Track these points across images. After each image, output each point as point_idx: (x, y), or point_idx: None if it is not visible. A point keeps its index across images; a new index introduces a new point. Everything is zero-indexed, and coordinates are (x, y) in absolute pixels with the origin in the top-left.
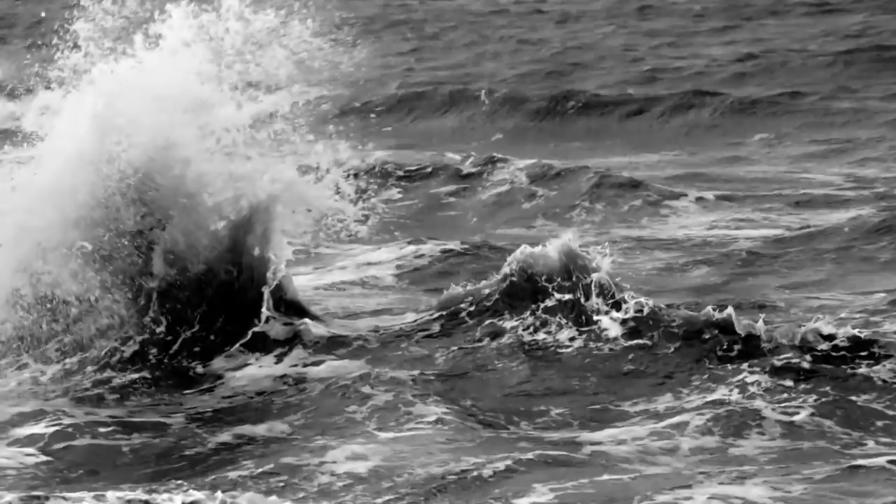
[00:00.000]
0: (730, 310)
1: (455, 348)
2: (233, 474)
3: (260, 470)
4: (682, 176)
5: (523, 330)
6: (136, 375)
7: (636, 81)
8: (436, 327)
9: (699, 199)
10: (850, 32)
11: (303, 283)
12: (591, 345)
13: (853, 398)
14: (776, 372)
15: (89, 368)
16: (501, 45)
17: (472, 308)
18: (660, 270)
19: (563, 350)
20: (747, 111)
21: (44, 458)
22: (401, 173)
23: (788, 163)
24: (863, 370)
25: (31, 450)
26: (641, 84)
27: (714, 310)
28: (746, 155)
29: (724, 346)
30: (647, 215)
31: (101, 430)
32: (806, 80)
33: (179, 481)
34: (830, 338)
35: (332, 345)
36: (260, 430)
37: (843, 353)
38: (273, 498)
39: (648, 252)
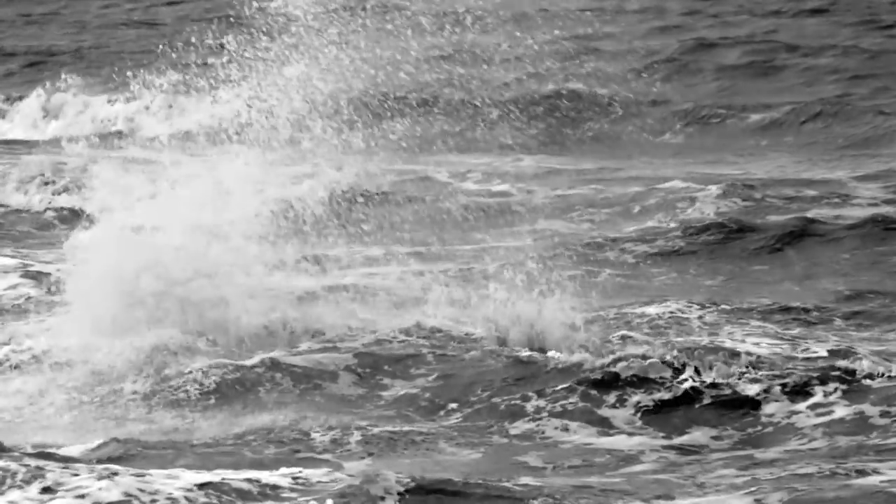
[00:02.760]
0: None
1: (449, 357)
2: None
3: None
4: (698, 176)
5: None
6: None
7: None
8: (431, 335)
9: (715, 197)
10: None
11: (303, 284)
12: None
13: (855, 406)
14: (777, 376)
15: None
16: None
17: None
18: (668, 270)
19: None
20: (764, 107)
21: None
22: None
23: (806, 161)
24: (866, 376)
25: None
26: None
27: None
28: (763, 152)
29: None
30: (660, 212)
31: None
32: (831, 78)
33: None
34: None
35: (334, 347)
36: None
37: (843, 357)
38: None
39: (654, 250)
